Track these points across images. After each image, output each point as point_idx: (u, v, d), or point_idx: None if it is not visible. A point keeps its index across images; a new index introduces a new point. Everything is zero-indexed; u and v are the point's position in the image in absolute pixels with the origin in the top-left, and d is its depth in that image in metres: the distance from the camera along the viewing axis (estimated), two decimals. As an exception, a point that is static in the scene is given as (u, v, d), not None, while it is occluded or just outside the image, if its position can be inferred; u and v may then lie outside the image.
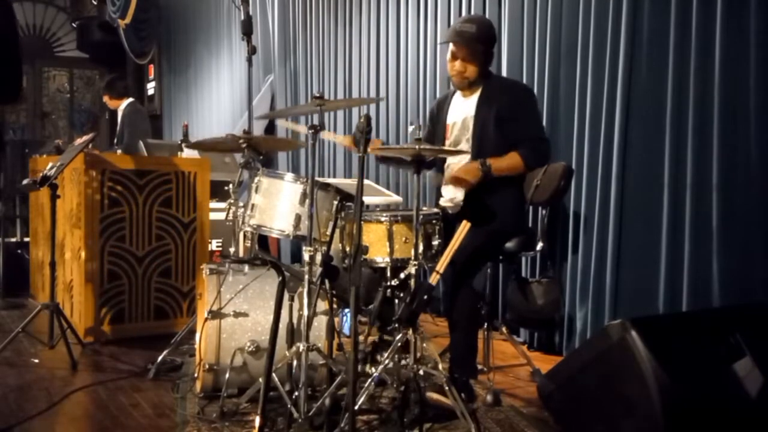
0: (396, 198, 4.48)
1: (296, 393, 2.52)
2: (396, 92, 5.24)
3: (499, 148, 2.94)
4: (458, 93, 3.15)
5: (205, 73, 8.81)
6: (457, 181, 2.95)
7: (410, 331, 2.57)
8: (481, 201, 2.96)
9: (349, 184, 3.73)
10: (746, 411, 2.22)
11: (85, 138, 3.92)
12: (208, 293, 2.93)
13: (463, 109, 3.09)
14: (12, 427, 2.61)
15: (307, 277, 2.58)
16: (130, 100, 6.30)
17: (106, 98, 6.32)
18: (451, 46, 3.03)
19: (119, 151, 5.72)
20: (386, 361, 2.63)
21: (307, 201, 2.62)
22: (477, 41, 2.97)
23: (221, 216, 3.36)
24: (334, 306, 2.81)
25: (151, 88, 10.82)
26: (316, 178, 2.65)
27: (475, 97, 3.06)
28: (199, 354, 2.96)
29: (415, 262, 2.64)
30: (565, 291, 3.71)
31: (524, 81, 3.97)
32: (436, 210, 2.97)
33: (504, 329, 3.51)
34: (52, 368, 3.35)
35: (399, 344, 2.61)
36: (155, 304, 4.04)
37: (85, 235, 3.84)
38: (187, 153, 4.68)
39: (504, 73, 4.06)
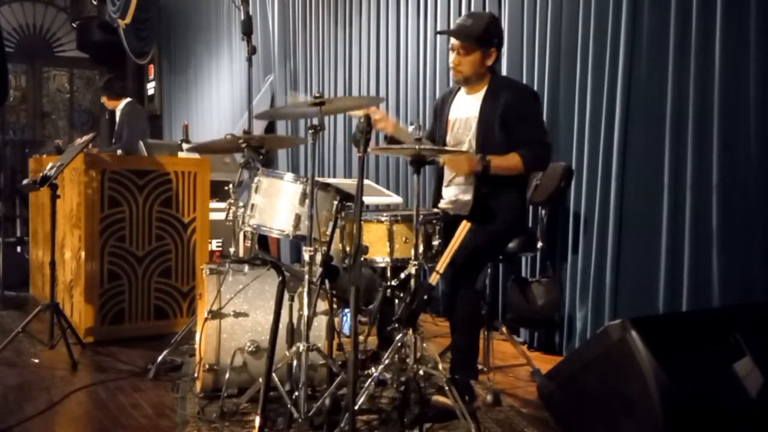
0: (396, 198, 4.48)
1: (296, 393, 2.52)
2: (396, 92, 5.24)
3: (502, 149, 2.91)
4: (462, 90, 3.13)
5: (205, 73, 8.81)
6: (454, 163, 2.90)
7: (410, 331, 2.57)
8: (485, 201, 2.95)
9: (349, 184, 3.73)
10: (746, 411, 2.22)
11: (85, 138, 3.92)
12: (208, 293, 2.93)
13: (466, 107, 3.07)
14: (12, 427, 2.61)
15: (307, 277, 2.58)
16: (128, 99, 6.30)
17: (104, 99, 6.33)
18: (451, 38, 3.03)
19: (119, 151, 5.73)
20: (386, 361, 2.63)
21: (307, 201, 2.62)
22: (471, 36, 2.95)
23: (221, 216, 3.36)
24: (334, 306, 2.81)
25: (151, 88, 10.82)
26: (316, 178, 2.65)
27: (479, 95, 3.03)
28: (199, 354, 2.96)
29: (415, 262, 2.64)
30: (565, 291, 3.71)
31: (524, 81, 3.97)
32: (436, 210, 2.97)
33: (504, 329, 3.51)
34: (52, 368, 3.35)
35: (399, 344, 2.62)
36: (155, 304, 4.03)
37: (85, 235, 3.84)
38: (187, 152, 4.68)
39: (504, 73, 4.05)
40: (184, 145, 4.83)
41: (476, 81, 3.03)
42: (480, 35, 2.95)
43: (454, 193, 3.09)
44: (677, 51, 3.14)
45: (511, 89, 3.02)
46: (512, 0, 4.05)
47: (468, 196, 3.01)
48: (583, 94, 3.62)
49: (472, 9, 4.33)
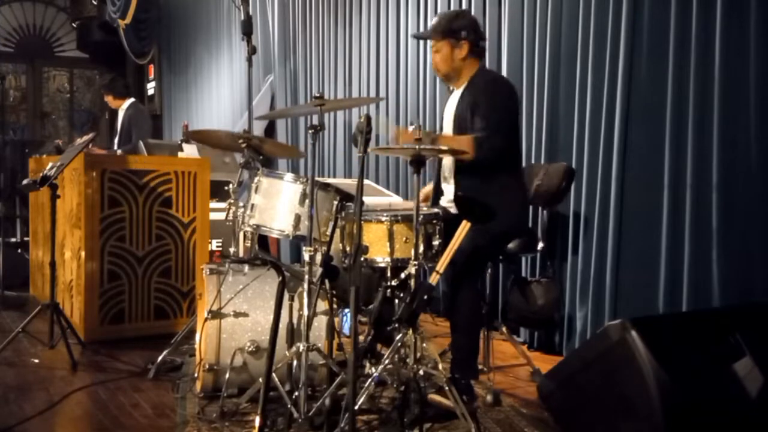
0: (396, 198, 4.48)
1: (296, 393, 2.52)
2: (396, 92, 5.24)
3: None
4: (454, 89, 3.13)
5: (205, 73, 8.81)
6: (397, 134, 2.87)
7: (410, 331, 2.57)
8: (486, 201, 2.94)
9: (349, 184, 3.73)
10: (746, 411, 2.22)
11: (85, 138, 3.92)
12: (208, 293, 2.93)
13: (450, 104, 3.08)
14: (12, 427, 2.61)
15: (307, 277, 2.58)
16: (132, 100, 6.30)
17: (109, 98, 6.32)
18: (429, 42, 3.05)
19: (119, 152, 5.72)
20: (386, 361, 2.63)
21: (307, 201, 2.62)
22: (436, 31, 2.96)
23: (221, 216, 3.36)
24: (334, 306, 2.81)
25: (151, 88, 10.82)
26: (316, 178, 2.65)
27: (461, 90, 3.03)
28: (199, 354, 2.96)
29: (415, 262, 2.64)
30: (565, 291, 3.71)
31: (524, 81, 3.97)
32: (436, 210, 2.97)
33: (504, 329, 3.51)
34: (52, 368, 3.35)
35: (399, 344, 2.61)
36: (155, 304, 4.03)
37: (85, 235, 3.84)
38: (187, 152, 4.68)
39: (504, 74, 4.05)
40: (185, 145, 4.83)
41: (456, 76, 3.01)
42: (444, 28, 2.95)
43: (453, 190, 3.08)
44: (677, 51, 3.14)
45: (482, 80, 2.98)
46: (512, 0, 4.05)
47: (471, 193, 2.98)
48: (583, 95, 3.62)
49: (473, 10, 4.32)
